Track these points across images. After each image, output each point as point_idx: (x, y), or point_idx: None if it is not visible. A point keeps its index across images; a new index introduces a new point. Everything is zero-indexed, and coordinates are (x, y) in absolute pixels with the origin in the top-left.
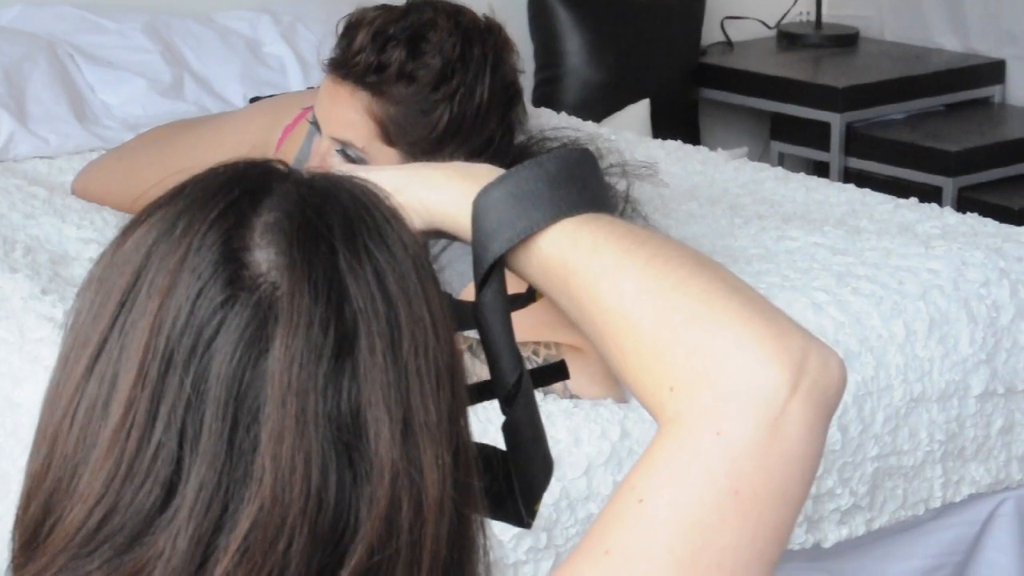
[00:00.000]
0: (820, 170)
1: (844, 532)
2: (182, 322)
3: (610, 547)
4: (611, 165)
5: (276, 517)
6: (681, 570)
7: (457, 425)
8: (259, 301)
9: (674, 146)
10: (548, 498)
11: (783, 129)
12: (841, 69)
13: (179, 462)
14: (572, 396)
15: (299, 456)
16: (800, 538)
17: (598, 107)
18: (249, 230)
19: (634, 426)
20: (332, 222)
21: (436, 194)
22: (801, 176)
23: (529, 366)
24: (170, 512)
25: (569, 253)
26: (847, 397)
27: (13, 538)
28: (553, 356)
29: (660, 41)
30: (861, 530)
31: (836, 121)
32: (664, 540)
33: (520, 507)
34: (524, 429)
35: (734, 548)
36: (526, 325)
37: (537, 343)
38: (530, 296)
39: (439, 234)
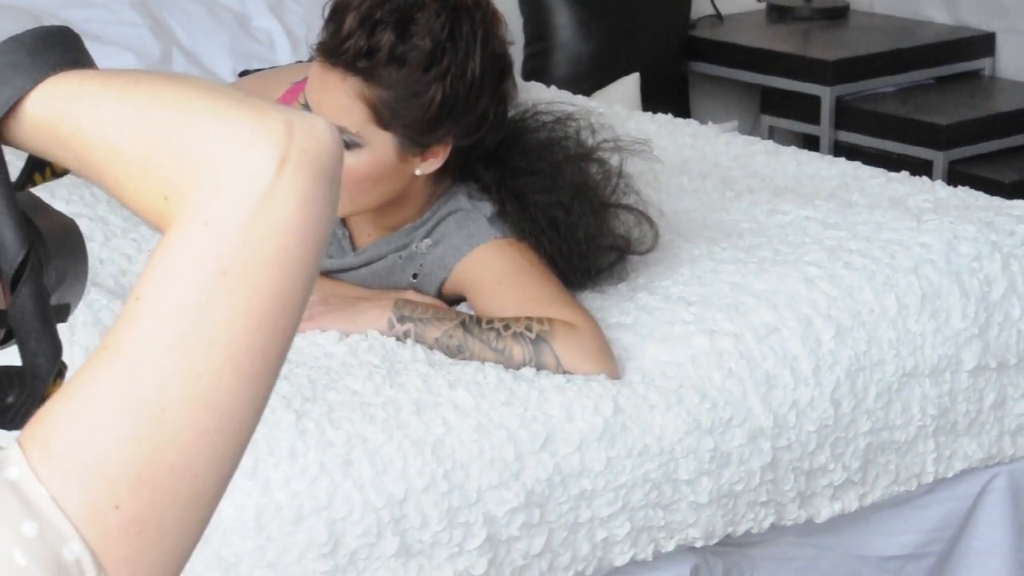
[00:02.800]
0: (810, 143)
1: (837, 507)
2: None
3: (109, 345)
4: (604, 140)
5: None
6: (175, 352)
7: None
8: None
9: (664, 120)
10: (541, 473)
11: (773, 103)
12: (831, 42)
13: None
14: (565, 372)
15: None
16: (793, 513)
17: (588, 81)
18: None
19: (627, 401)
20: None
21: None
22: (792, 150)
23: (523, 341)
24: None
25: (54, 106)
26: (839, 372)
27: None
28: (546, 331)
29: (650, 14)
30: (854, 505)
31: (826, 94)
32: (152, 327)
33: (23, 402)
34: (30, 312)
35: (226, 322)
36: (522, 300)
37: (530, 319)
38: (31, 172)
39: None
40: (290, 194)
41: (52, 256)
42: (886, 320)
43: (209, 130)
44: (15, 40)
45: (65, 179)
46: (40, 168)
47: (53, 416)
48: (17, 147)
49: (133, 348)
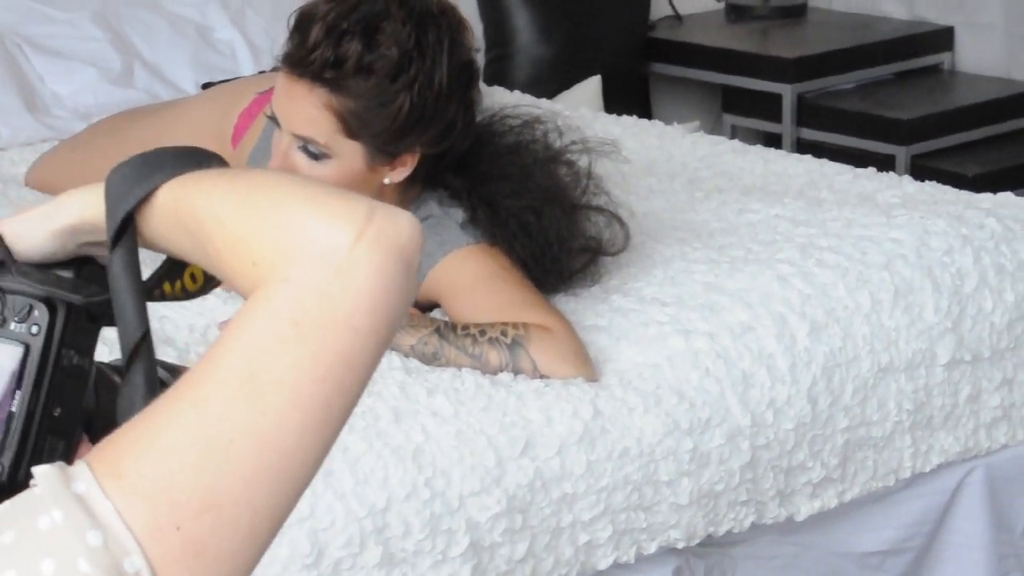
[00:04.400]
0: (772, 142)
1: (816, 505)
2: None
3: (183, 381)
4: (572, 142)
5: None
6: (245, 389)
7: None
8: None
9: (630, 121)
10: (522, 478)
11: (734, 101)
12: (790, 40)
13: None
14: (542, 376)
15: None
16: (773, 512)
17: (550, 84)
18: None
19: (605, 404)
20: None
21: (68, 208)
22: (758, 148)
23: (499, 346)
24: None
25: (179, 192)
26: (815, 369)
27: None
28: (521, 336)
29: (609, 16)
30: (833, 502)
31: (787, 92)
32: (226, 365)
33: None
34: (140, 391)
35: (294, 368)
36: (496, 305)
37: (505, 324)
38: (160, 280)
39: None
40: (365, 264)
41: None
42: (860, 316)
43: (299, 207)
44: (165, 148)
45: (29, 196)
46: (171, 278)
47: (124, 439)
48: (147, 239)
49: (207, 383)
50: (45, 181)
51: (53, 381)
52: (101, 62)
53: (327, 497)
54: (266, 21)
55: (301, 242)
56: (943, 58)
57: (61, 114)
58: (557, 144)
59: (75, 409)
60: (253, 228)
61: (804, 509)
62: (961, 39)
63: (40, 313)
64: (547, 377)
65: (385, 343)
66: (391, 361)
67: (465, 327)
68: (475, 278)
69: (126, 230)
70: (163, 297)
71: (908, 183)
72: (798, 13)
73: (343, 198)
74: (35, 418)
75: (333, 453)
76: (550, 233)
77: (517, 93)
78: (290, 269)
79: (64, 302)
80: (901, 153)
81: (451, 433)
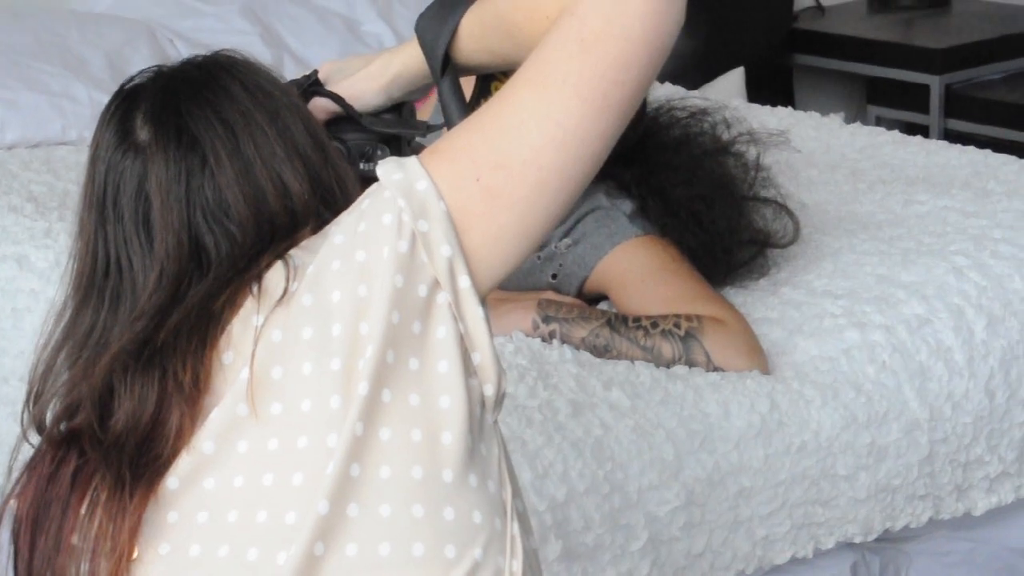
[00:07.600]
0: (918, 133)
1: (993, 500)
2: (102, 176)
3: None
4: (740, 134)
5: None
6: (535, 87)
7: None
8: (139, 154)
9: (784, 112)
10: (700, 472)
11: (879, 93)
12: (935, 30)
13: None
14: (715, 368)
15: (181, 235)
16: (951, 507)
17: (692, 76)
18: (133, 121)
19: (782, 397)
20: (179, 91)
21: (392, 66)
22: (919, 139)
23: (672, 339)
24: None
25: (475, 10)
26: (993, 362)
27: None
28: (695, 328)
29: (752, 8)
30: (1010, 497)
31: (935, 83)
32: (525, 74)
33: None
34: None
35: (576, 71)
36: (667, 297)
37: (678, 316)
38: (482, 93)
39: (405, 97)
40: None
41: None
42: None
43: None
44: None
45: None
46: (484, 94)
47: (442, 138)
48: (461, 63)
49: (508, 88)
50: None
51: None
52: (250, 56)
53: None
54: (413, 14)
55: None
56: None
57: None
58: (725, 136)
59: None
60: None
61: (981, 504)
62: None
63: (383, 152)
64: (721, 370)
65: (656, 53)
66: (562, 354)
67: (636, 319)
68: (645, 269)
69: (448, 62)
70: (492, 93)
71: None
72: (942, 3)
73: None
74: None
75: (512, 447)
76: (721, 223)
77: (668, 85)
78: (576, 5)
79: (403, 137)
80: None
81: (629, 427)
